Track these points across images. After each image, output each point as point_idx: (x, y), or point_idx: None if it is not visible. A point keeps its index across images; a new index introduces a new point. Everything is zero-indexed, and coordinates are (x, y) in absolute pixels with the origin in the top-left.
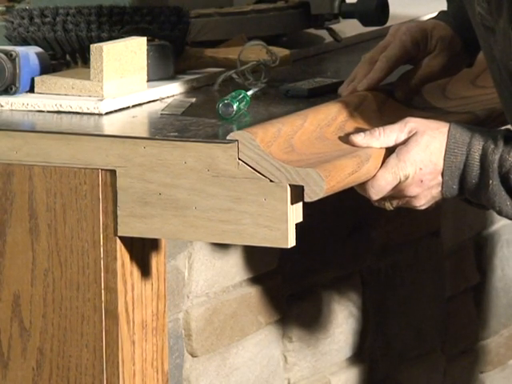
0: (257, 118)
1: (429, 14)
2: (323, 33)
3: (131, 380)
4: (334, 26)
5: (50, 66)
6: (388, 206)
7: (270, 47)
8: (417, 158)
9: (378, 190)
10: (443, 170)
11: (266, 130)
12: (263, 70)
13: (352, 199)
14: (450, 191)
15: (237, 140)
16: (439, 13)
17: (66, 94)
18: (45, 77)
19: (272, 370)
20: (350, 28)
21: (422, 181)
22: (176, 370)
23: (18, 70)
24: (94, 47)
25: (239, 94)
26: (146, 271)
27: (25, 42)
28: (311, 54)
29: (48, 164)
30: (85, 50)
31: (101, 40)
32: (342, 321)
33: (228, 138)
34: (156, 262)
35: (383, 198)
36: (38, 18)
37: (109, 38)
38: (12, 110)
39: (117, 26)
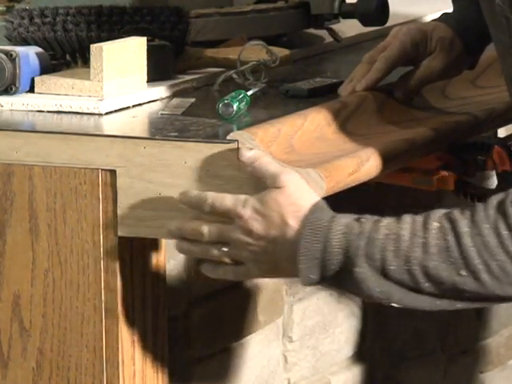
0: (257, 118)
1: (429, 13)
2: (323, 33)
3: (131, 380)
4: (334, 26)
5: (50, 66)
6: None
7: (270, 47)
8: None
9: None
10: (298, 257)
11: (265, 130)
12: (263, 70)
13: (352, 199)
14: (309, 280)
15: (237, 140)
16: (442, 15)
17: (66, 94)
18: (45, 77)
19: (272, 369)
20: (349, 28)
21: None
22: (176, 369)
23: (18, 70)
24: (93, 47)
25: (239, 94)
26: (145, 271)
27: (25, 42)
28: (311, 54)
29: (48, 164)
30: (85, 50)
31: (101, 40)
32: (342, 321)
33: (228, 138)
34: (156, 262)
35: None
36: (38, 18)
37: (109, 38)
38: (12, 109)
39: (117, 25)
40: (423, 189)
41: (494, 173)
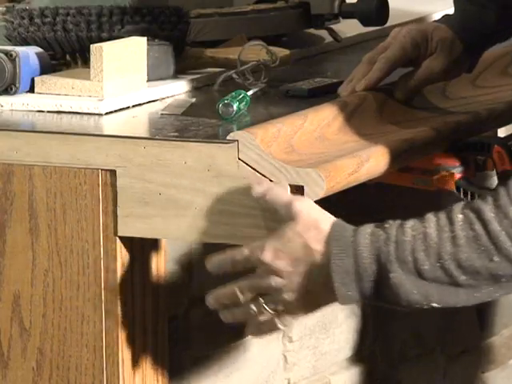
0: (257, 118)
1: (430, 13)
2: (323, 33)
3: (131, 380)
4: (334, 26)
5: (50, 66)
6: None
7: (270, 47)
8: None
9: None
10: (332, 277)
11: (266, 130)
12: (263, 70)
13: (352, 199)
14: (348, 297)
15: (237, 140)
16: (443, 16)
17: (66, 94)
18: (45, 77)
19: (272, 369)
20: (349, 28)
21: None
22: (176, 369)
23: (18, 70)
24: (94, 47)
25: (239, 94)
26: (145, 271)
27: (25, 42)
28: (311, 54)
29: (48, 164)
30: (85, 50)
31: (101, 40)
32: (342, 321)
33: (228, 138)
34: (156, 262)
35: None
36: (38, 18)
37: (109, 38)
38: (12, 110)
39: (117, 25)
40: (423, 189)
41: (494, 173)
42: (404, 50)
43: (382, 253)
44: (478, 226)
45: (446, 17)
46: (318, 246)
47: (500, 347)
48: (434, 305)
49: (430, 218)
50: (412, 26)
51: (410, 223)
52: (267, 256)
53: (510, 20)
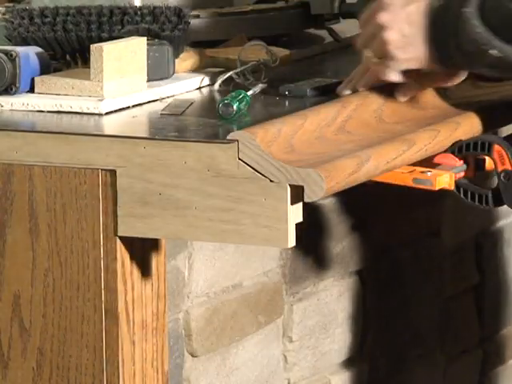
0: (257, 118)
1: None
2: (323, 33)
3: (131, 380)
4: (334, 26)
5: (50, 66)
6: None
7: (270, 47)
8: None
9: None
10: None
11: (265, 130)
12: (263, 70)
13: (352, 199)
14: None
15: (237, 140)
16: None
17: (66, 94)
18: (45, 77)
19: (272, 369)
20: (350, 28)
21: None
22: (176, 370)
23: (18, 70)
24: (94, 47)
25: (239, 94)
26: (146, 271)
27: (25, 41)
28: (311, 54)
29: (48, 164)
30: (85, 50)
31: (101, 40)
32: (342, 321)
33: (228, 138)
34: (156, 261)
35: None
36: (38, 18)
37: (109, 38)
38: (12, 109)
39: (117, 26)
40: (423, 189)
41: (494, 172)
42: None
43: None
44: None
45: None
46: None
47: (500, 347)
48: (493, 52)
49: None
50: None
51: None
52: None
53: None
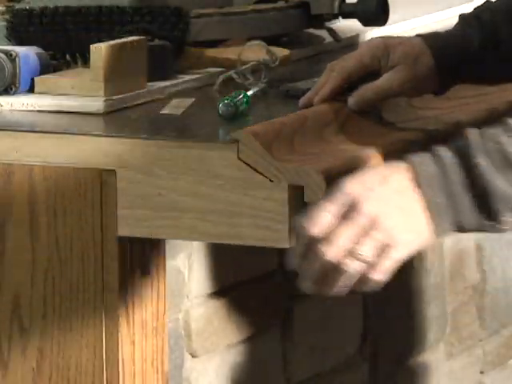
0: (257, 118)
1: (430, 12)
2: (323, 33)
3: (131, 380)
4: (334, 26)
5: (50, 66)
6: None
7: (270, 47)
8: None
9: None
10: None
11: (266, 130)
12: (263, 70)
13: None
14: (439, 209)
15: (237, 140)
16: (431, 32)
17: (65, 94)
18: (45, 77)
19: (272, 369)
20: (350, 28)
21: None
22: (176, 370)
23: (18, 70)
24: (93, 47)
25: (239, 94)
26: (145, 271)
27: (25, 42)
28: (311, 54)
29: (48, 164)
30: (85, 50)
31: (101, 40)
32: (343, 320)
33: (228, 138)
34: (156, 262)
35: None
36: (38, 18)
37: (109, 38)
38: (12, 109)
39: (117, 26)
40: None
41: None
42: (361, 61)
43: (462, 148)
44: None
45: (433, 34)
46: (394, 168)
47: (499, 347)
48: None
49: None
50: (377, 39)
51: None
52: (336, 197)
53: (494, 48)
